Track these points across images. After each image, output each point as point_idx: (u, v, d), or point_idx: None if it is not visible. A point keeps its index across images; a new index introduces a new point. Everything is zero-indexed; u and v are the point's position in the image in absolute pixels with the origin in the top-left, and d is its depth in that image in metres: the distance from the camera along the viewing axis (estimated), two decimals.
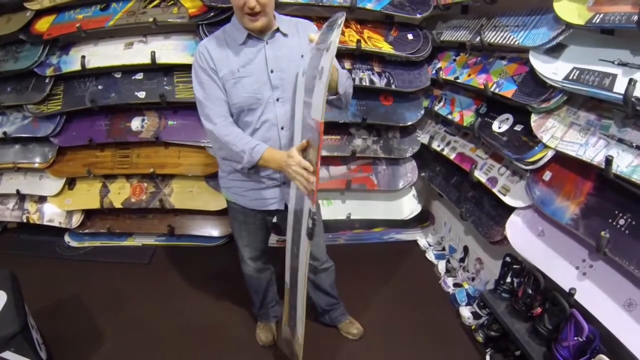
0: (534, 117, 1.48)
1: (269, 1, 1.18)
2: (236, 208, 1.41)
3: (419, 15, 1.96)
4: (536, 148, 1.43)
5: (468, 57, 1.98)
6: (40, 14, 2.13)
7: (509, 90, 1.59)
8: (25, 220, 2.43)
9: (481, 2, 1.77)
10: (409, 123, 2.04)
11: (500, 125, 1.69)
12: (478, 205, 1.83)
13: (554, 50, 1.41)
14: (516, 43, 1.56)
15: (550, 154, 1.40)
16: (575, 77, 1.30)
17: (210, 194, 2.09)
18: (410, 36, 2.01)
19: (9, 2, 2.16)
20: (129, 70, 2.03)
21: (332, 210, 2.14)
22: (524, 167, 1.50)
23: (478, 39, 1.78)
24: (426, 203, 2.45)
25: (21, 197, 2.45)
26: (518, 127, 1.60)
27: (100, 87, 2.05)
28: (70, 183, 2.26)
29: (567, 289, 1.28)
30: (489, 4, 1.74)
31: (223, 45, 1.25)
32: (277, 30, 1.27)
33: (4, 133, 2.29)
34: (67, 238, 2.37)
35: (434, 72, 2.08)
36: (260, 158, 1.21)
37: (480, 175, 1.77)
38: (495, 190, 1.67)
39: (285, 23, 1.30)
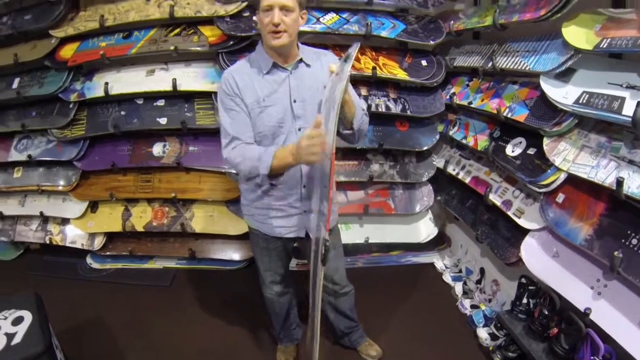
0: (546, 141, 1.51)
1: (292, 23, 1.24)
2: (258, 234, 1.44)
3: (432, 42, 2.00)
4: (549, 171, 1.46)
5: (481, 82, 2.01)
6: (64, 41, 2.21)
7: (521, 115, 1.63)
8: (48, 242, 2.48)
9: (492, 28, 1.82)
10: (425, 148, 2.07)
11: (513, 148, 1.72)
12: (493, 227, 1.85)
13: (564, 75, 1.44)
14: (527, 68, 1.60)
15: (562, 176, 1.43)
16: (585, 101, 1.33)
17: (230, 219, 2.13)
18: (424, 62, 2.04)
19: (35, 29, 2.25)
20: (150, 96, 2.10)
21: (351, 234, 2.16)
22: (537, 189, 1.52)
23: (490, 64, 1.82)
24: (442, 225, 2.46)
25: (44, 219, 2.51)
26: (531, 150, 1.63)
27: (122, 112, 2.11)
28: (93, 206, 2.32)
29: (582, 309, 1.30)
30: (500, 30, 1.78)
31: (248, 74, 1.31)
32: (301, 60, 1.32)
33: (29, 156, 2.37)
34: (89, 260, 2.42)
35: (448, 97, 2.11)
36: (273, 157, 1.21)
37: (495, 199, 1.79)
38: (510, 213, 1.69)
39: (308, 53, 1.37)
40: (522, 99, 1.71)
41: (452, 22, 2.10)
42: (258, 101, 1.27)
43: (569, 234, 1.37)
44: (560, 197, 1.47)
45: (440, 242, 2.40)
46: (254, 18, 1.95)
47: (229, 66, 1.88)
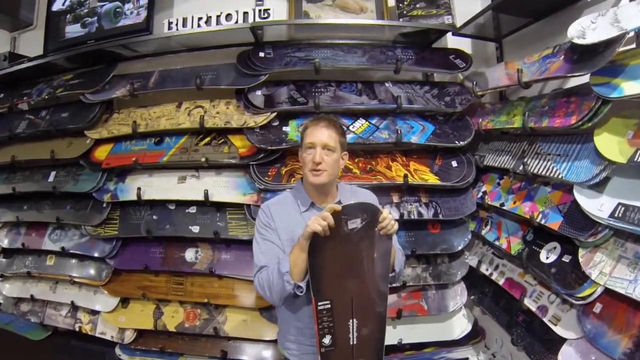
0: (581, 252, 1.46)
1: (333, 163, 1.30)
2: None
3: (462, 144, 1.99)
4: (585, 284, 1.41)
5: (512, 182, 1.97)
6: (98, 141, 2.28)
7: (555, 222, 1.59)
8: (77, 330, 2.49)
9: (522, 131, 1.79)
10: (457, 250, 2.02)
11: (548, 254, 1.67)
12: (529, 330, 1.78)
13: (598, 184, 1.41)
14: (560, 176, 1.57)
15: (599, 290, 1.38)
16: (620, 215, 1.30)
17: (264, 324, 2.10)
18: (454, 163, 2.02)
19: (71, 128, 2.32)
20: (182, 202, 2.12)
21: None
22: (573, 301, 1.47)
23: (521, 167, 1.79)
24: (476, 316, 2.39)
25: (75, 307, 2.54)
26: (566, 258, 1.57)
27: (155, 217, 2.14)
28: (124, 300, 2.33)
29: None
30: (529, 133, 1.75)
31: (285, 210, 1.33)
32: (339, 202, 1.31)
33: (62, 248, 2.41)
34: (118, 351, 2.42)
35: (479, 195, 2.07)
36: (289, 262, 1.18)
37: (530, 304, 1.73)
38: (545, 320, 1.63)
39: (346, 194, 1.38)
40: (555, 203, 1.66)
41: (480, 119, 2.08)
42: (292, 239, 1.27)
43: (608, 346, 1.32)
44: (597, 307, 1.42)
45: (474, 335, 2.31)
46: (284, 129, 1.98)
47: (260, 179, 1.93)
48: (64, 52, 2.32)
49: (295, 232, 1.27)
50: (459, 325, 2.18)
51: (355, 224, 1.15)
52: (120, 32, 2.24)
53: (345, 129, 1.94)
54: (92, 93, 2.22)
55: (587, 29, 1.38)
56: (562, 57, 1.60)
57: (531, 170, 1.72)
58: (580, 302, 1.44)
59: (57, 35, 2.45)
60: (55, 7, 2.47)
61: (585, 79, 1.45)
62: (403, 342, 2.11)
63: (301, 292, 1.22)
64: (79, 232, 2.40)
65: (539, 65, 1.75)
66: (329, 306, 1.18)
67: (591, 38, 1.34)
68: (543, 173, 1.66)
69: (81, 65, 2.44)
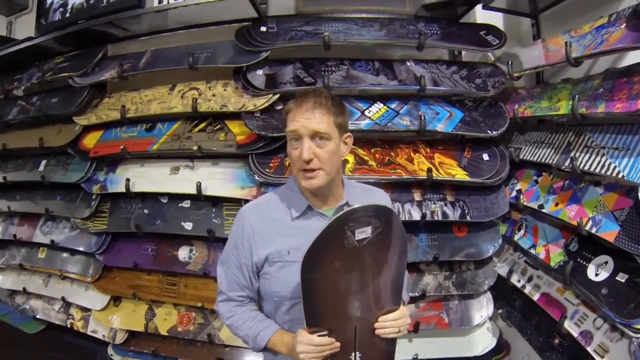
0: None
1: (330, 156, 0.96)
2: None
3: (494, 133, 1.71)
4: None
5: (553, 180, 1.69)
6: (88, 128, 2.10)
7: (609, 232, 1.32)
8: (69, 326, 2.37)
9: (569, 119, 1.51)
10: (486, 257, 1.76)
11: (597, 271, 1.40)
12: (567, 356, 1.52)
13: None
14: (620, 175, 1.30)
15: None
16: None
17: None
18: (485, 156, 1.75)
19: (60, 113, 2.16)
20: (175, 195, 1.91)
21: (398, 351, 1.85)
22: (631, 333, 1.21)
23: (568, 162, 1.51)
24: (500, 327, 2.13)
25: (67, 302, 2.41)
26: (621, 277, 1.31)
27: (146, 211, 1.95)
28: (116, 299, 2.17)
29: None
30: (580, 121, 1.47)
31: (272, 217, 1.02)
32: (346, 204, 1.04)
33: (52, 241, 2.27)
34: (110, 350, 2.27)
35: (512, 195, 1.79)
36: (267, 342, 1.00)
37: (570, 327, 1.47)
38: (590, 350, 1.37)
39: (355, 193, 1.08)
40: (609, 209, 1.39)
41: (515, 105, 1.79)
42: (280, 254, 0.99)
43: None
44: None
45: (498, 350, 2.06)
46: None
47: (260, 171, 1.69)
48: (52, 33, 2.14)
49: (283, 244, 0.99)
50: (483, 340, 1.92)
51: (364, 233, 0.87)
52: (111, 9, 2.02)
53: (359, 113, 1.71)
54: (80, 76, 2.03)
55: None
56: (624, 25, 1.33)
57: (581, 167, 1.44)
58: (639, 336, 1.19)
59: (48, 16, 2.28)
60: None
61: None
62: (420, 358, 1.87)
63: None
64: (70, 225, 2.24)
65: (591, 37, 1.47)
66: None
67: None
68: (596, 170, 1.39)
69: (74, 48, 2.26)
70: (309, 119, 0.94)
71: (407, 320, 0.99)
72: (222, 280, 1.07)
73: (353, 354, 0.95)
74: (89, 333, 2.30)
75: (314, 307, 0.91)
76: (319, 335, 0.91)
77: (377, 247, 0.90)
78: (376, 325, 0.95)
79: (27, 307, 2.53)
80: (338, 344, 0.92)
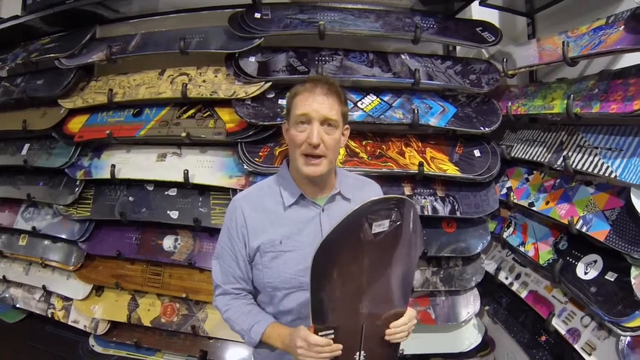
0: (634, 272, 1.22)
1: (334, 145, 0.96)
2: None
3: (487, 130, 1.70)
4: (637, 312, 1.17)
5: (544, 178, 1.69)
6: (74, 111, 2.04)
7: (600, 231, 1.33)
8: (50, 316, 2.31)
9: (563, 118, 1.52)
10: (474, 253, 1.76)
11: (586, 269, 1.41)
12: (554, 355, 1.53)
13: None
14: (612, 175, 1.30)
15: None
16: None
17: None
18: (477, 153, 1.74)
19: (44, 96, 2.09)
20: (162, 183, 1.87)
21: None
22: (619, 331, 1.22)
23: (561, 161, 1.51)
24: (486, 324, 2.13)
25: (48, 292, 2.35)
26: (610, 276, 1.32)
27: (131, 198, 1.90)
28: (99, 289, 2.12)
29: None
30: (574, 121, 1.47)
31: (264, 205, 1.01)
32: (338, 193, 1.03)
33: (33, 228, 2.20)
34: (92, 341, 2.22)
35: (503, 192, 1.79)
36: (262, 336, 0.98)
37: (558, 325, 1.48)
38: (577, 347, 1.38)
39: (348, 183, 1.07)
40: (600, 208, 1.40)
41: (508, 103, 1.79)
42: (273, 243, 0.98)
43: None
44: None
45: (483, 346, 2.06)
46: (280, 102, 1.70)
47: (249, 160, 1.66)
48: (39, 12, 2.06)
49: (276, 234, 0.98)
50: (469, 336, 1.92)
51: (382, 226, 0.84)
52: None
53: (351, 104, 1.69)
54: (67, 57, 1.97)
55: None
56: (622, 27, 1.34)
57: (573, 166, 1.45)
58: (628, 333, 1.20)
59: None
60: None
61: None
62: (405, 353, 1.86)
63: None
64: (52, 211, 2.18)
65: (589, 38, 1.47)
66: (332, 337, 0.88)
67: None
68: (589, 170, 1.39)
69: (62, 29, 2.18)
70: (321, 104, 0.94)
71: (414, 322, 0.97)
72: (218, 274, 1.05)
73: (358, 353, 0.92)
74: (70, 323, 2.26)
75: (323, 302, 0.87)
76: (322, 335, 0.87)
77: (392, 242, 0.87)
78: (387, 332, 0.93)
79: (7, 295, 2.46)
80: (340, 346, 0.88)
